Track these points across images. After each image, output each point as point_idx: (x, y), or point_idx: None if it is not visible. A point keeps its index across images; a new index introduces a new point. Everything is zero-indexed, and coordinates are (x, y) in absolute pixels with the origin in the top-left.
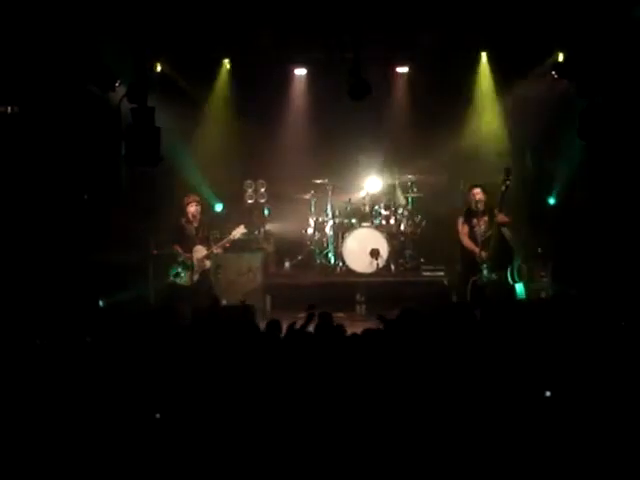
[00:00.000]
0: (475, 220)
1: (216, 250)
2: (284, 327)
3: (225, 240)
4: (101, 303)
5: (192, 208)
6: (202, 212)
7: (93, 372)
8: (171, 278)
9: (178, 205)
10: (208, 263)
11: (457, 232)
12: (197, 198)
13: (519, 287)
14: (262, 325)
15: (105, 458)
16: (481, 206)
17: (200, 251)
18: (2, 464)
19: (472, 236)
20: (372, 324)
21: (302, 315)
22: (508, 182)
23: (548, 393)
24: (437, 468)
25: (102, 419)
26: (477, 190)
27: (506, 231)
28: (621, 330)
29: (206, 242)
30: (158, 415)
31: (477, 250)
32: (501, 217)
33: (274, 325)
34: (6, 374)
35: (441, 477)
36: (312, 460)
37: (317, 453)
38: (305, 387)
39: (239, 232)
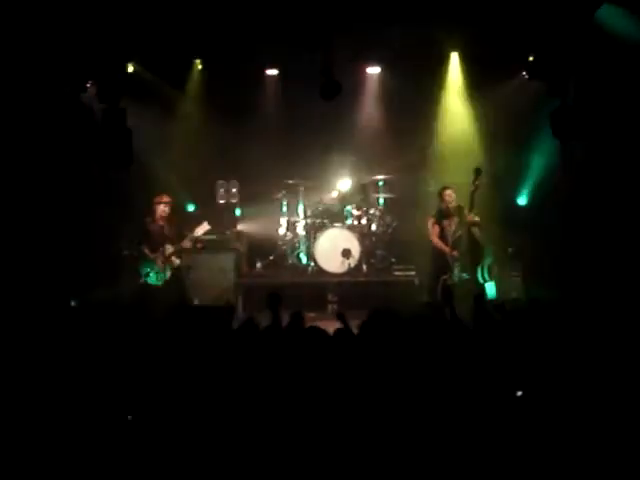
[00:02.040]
0: (446, 221)
1: (183, 247)
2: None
3: (188, 237)
4: (72, 303)
5: (160, 207)
6: (172, 212)
7: (63, 372)
8: (142, 279)
9: (148, 205)
10: (177, 262)
11: (428, 233)
12: (166, 198)
13: (490, 286)
14: (235, 325)
15: (78, 458)
16: (452, 207)
17: (168, 249)
18: None
19: (443, 236)
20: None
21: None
22: (477, 182)
23: (519, 393)
24: (411, 465)
25: (72, 419)
26: (449, 192)
27: (476, 231)
28: (593, 330)
29: (174, 241)
30: (130, 417)
31: (448, 250)
32: (471, 217)
33: (250, 324)
34: None
35: (416, 474)
36: (289, 459)
37: (292, 450)
38: (281, 384)
39: (202, 229)
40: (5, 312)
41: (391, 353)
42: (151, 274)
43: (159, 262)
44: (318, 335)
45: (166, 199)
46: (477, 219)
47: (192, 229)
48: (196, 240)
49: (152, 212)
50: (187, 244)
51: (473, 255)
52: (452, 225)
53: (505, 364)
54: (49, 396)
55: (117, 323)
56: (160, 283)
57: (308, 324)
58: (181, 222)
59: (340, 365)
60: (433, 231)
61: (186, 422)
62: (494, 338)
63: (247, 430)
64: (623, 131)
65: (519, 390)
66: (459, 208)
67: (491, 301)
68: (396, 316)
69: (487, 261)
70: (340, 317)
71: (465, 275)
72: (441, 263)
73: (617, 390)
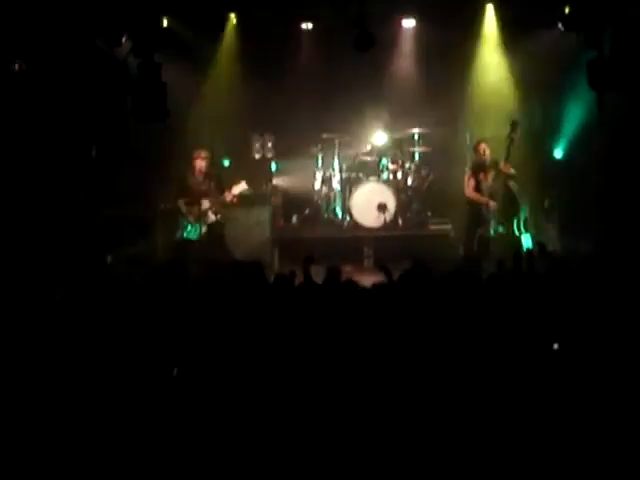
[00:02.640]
0: (482, 174)
1: (220, 203)
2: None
3: (227, 195)
4: (109, 258)
5: (199, 162)
6: (210, 167)
7: (101, 328)
8: (180, 233)
9: (185, 160)
10: (212, 217)
11: (464, 186)
12: (204, 154)
13: (526, 238)
14: (270, 279)
15: (118, 416)
16: (487, 160)
17: (204, 204)
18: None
19: (479, 190)
20: (380, 277)
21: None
22: (514, 135)
23: (556, 346)
24: (446, 420)
25: (111, 375)
26: (483, 145)
27: (512, 184)
28: (629, 283)
29: (212, 195)
30: (175, 371)
31: (484, 200)
32: (507, 168)
33: (282, 280)
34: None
35: (451, 429)
36: (323, 416)
37: (328, 407)
38: (316, 340)
39: (240, 188)
40: (45, 268)
41: (430, 306)
42: (189, 228)
43: (193, 217)
44: (355, 289)
45: (204, 154)
46: (512, 171)
47: (230, 187)
48: (234, 197)
49: (191, 167)
50: (224, 201)
51: (509, 208)
52: (488, 178)
53: (543, 317)
54: (85, 351)
55: (154, 280)
56: (196, 237)
57: (344, 278)
58: (219, 177)
59: (378, 318)
60: (469, 184)
61: (223, 378)
62: (533, 291)
63: (284, 384)
64: None
65: (555, 343)
66: (494, 161)
67: (529, 250)
68: (434, 270)
69: (523, 214)
70: (384, 269)
71: (501, 228)
72: (477, 216)
73: None
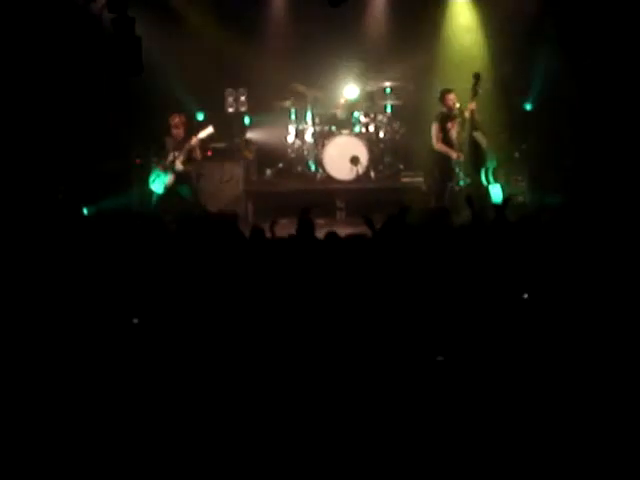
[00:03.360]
0: (449, 124)
1: (186, 148)
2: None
3: (192, 139)
4: (85, 211)
5: (175, 130)
6: (186, 131)
7: (79, 280)
8: (150, 185)
9: (160, 115)
10: (179, 165)
11: (432, 137)
12: (177, 119)
13: (495, 189)
14: (246, 232)
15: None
16: (454, 110)
17: (170, 155)
18: None
19: (447, 141)
20: (352, 230)
21: (284, 220)
22: (478, 88)
23: (526, 295)
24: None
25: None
26: (451, 96)
27: (478, 135)
28: (599, 237)
29: (181, 148)
30: (136, 320)
31: (452, 153)
32: (472, 105)
33: (258, 233)
34: None
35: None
36: (300, 379)
37: (304, 367)
38: (295, 292)
39: (206, 132)
40: (18, 220)
41: (406, 259)
42: (155, 181)
43: (160, 167)
44: (334, 241)
45: (177, 120)
46: (474, 106)
47: (196, 133)
48: (202, 143)
49: (169, 132)
50: (190, 145)
51: (476, 158)
52: (454, 127)
53: (511, 267)
54: (59, 300)
55: (131, 231)
56: (162, 187)
57: (317, 230)
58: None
59: (356, 270)
60: (437, 136)
61: (199, 328)
62: (503, 242)
63: (261, 339)
64: (630, 36)
65: (525, 293)
66: (460, 110)
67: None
68: (408, 223)
69: (491, 164)
70: (368, 222)
71: (468, 179)
72: (445, 168)
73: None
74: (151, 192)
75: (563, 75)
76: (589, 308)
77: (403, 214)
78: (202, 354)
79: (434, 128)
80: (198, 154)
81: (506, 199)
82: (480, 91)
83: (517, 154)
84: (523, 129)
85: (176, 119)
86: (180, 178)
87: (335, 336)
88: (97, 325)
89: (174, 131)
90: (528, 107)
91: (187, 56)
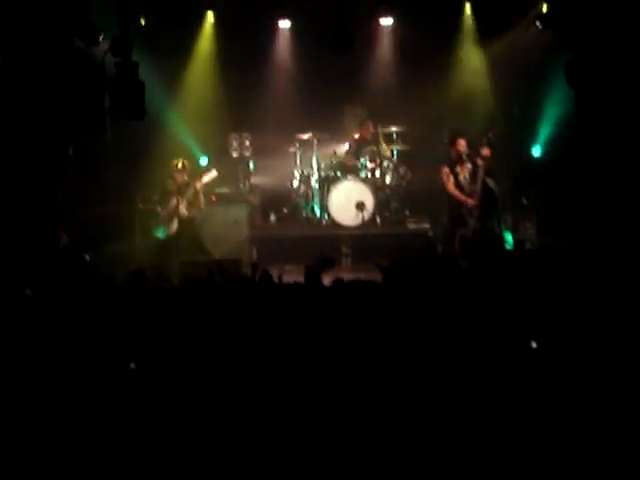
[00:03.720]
0: (459, 168)
1: (192, 195)
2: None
3: (197, 184)
4: (87, 257)
5: (179, 176)
6: (189, 176)
7: (78, 327)
8: (153, 233)
9: (163, 159)
10: (184, 211)
11: (443, 183)
12: (180, 165)
13: (507, 236)
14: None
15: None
16: (464, 155)
17: (173, 201)
18: None
19: (458, 185)
20: (358, 276)
21: (289, 267)
22: (492, 137)
23: (534, 344)
24: (428, 414)
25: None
26: (463, 141)
27: (490, 181)
28: (608, 281)
29: (184, 193)
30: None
31: (464, 199)
32: (485, 151)
33: (267, 278)
34: None
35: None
36: (307, 410)
37: (310, 399)
38: (303, 337)
39: (210, 176)
40: (21, 263)
41: (411, 304)
42: (159, 228)
43: (164, 213)
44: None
45: (179, 166)
46: (488, 152)
47: (200, 177)
48: (205, 187)
49: (172, 176)
50: (193, 190)
51: (488, 204)
52: (465, 172)
53: (521, 315)
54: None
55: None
56: (165, 236)
57: (323, 277)
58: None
59: (361, 316)
60: (448, 180)
61: (212, 379)
62: (509, 290)
63: (278, 382)
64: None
65: (534, 341)
66: (469, 155)
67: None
68: (414, 268)
69: (501, 211)
70: (381, 268)
71: (480, 226)
72: (457, 214)
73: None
74: (154, 237)
75: (571, 120)
76: (596, 356)
77: (397, 267)
78: (204, 396)
79: (444, 172)
80: (202, 199)
81: (519, 243)
82: (494, 140)
83: (525, 200)
84: (531, 175)
85: (179, 164)
86: (184, 223)
87: (342, 383)
88: (95, 371)
89: (177, 176)
90: (536, 153)
91: (192, 101)
